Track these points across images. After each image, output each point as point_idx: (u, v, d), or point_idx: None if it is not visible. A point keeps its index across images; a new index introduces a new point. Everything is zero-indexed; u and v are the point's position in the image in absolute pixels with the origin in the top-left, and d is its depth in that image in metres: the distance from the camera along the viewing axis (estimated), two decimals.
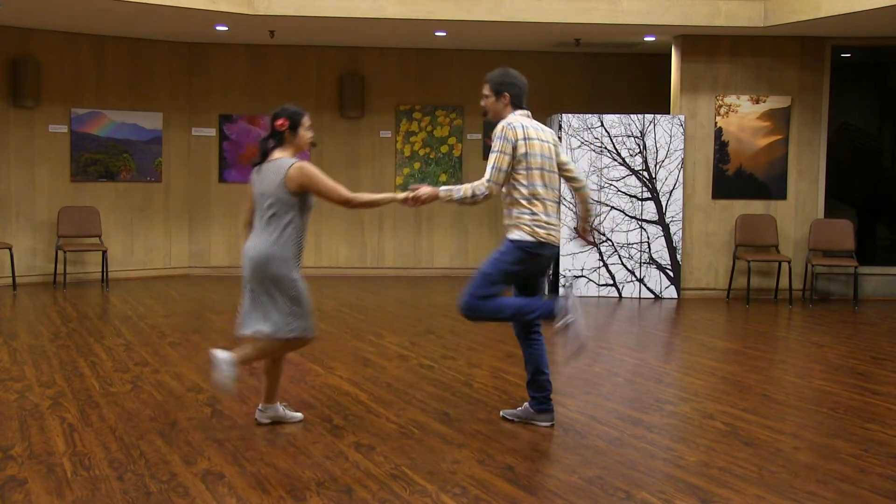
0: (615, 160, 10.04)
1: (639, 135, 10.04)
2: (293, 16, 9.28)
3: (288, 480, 4.12)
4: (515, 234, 4.79)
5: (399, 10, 9.25)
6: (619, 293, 10.09)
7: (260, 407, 5.00)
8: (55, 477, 4.10)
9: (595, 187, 10.01)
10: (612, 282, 10.09)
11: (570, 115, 10.10)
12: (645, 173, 10.05)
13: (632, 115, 10.08)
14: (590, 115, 10.10)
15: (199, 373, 6.14)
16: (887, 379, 6.44)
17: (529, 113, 4.94)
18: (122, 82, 10.99)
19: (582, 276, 10.07)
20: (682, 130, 10.02)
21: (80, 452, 4.45)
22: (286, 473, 4.22)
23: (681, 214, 10.07)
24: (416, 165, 11.71)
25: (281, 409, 5.00)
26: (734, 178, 10.25)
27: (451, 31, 10.19)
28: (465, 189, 4.76)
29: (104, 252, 10.36)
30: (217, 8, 8.92)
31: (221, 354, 4.65)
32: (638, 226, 10.06)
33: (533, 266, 4.86)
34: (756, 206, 10.27)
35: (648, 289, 10.08)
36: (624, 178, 10.04)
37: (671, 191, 10.05)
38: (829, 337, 8.10)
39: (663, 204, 10.06)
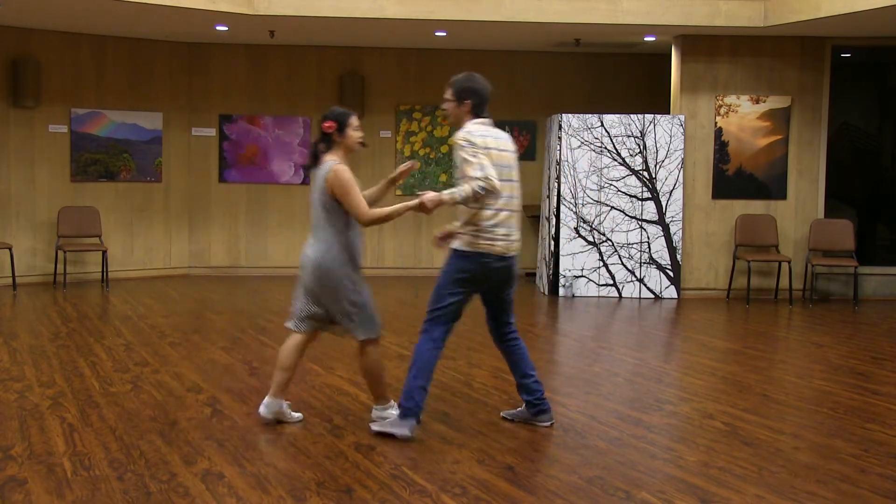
0: (615, 160, 10.04)
1: (639, 135, 10.03)
2: (293, 16, 9.28)
3: (288, 480, 4.12)
4: (456, 243, 4.78)
5: (399, 10, 9.25)
6: (619, 293, 10.09)
7: (266, 400, 4.96)
8: (55, 477, 4.10)
9: (595, 187, 10.02)
10: (612, 282, 10.09)
11: (570, 115, 10.10)
12: (645, 173, 10.05)
13: (632, 115, 10.07)
14: (590, 115, 10.10)
15: (198, 373, 6.14)
16: (887, 379, 6.44)
17: (491, 121, 4.89)
18: (122, 82, 10.99)
19: (582, 276, 10.08)
20: (682, 130, 10.02)
21: (80, 452, 4.45)
22: (286, 473, 4.22)
23: (681, 214, 10.07)
24: (417, 166, 11.69)
25: (285, 406, 5.00)
26: (734, 178, 10.25)
27: (451, 31, 10.19)
28: (465, 188, 4.76)
29: (104, 252, 10.35)
30: (217, 8, 8.91)
31: (381, 410, 4.90)
32: (638, 226, 10.06)
33: (482, 277, 4.79)
34: (756, 206, 10.27)
35: (648, 289, 10.08)
36: (624, 178, 10.04)
37: (671, 191, 10.05)
38: (829, 337, 8.10)
39: (663, 204, 10.05)
